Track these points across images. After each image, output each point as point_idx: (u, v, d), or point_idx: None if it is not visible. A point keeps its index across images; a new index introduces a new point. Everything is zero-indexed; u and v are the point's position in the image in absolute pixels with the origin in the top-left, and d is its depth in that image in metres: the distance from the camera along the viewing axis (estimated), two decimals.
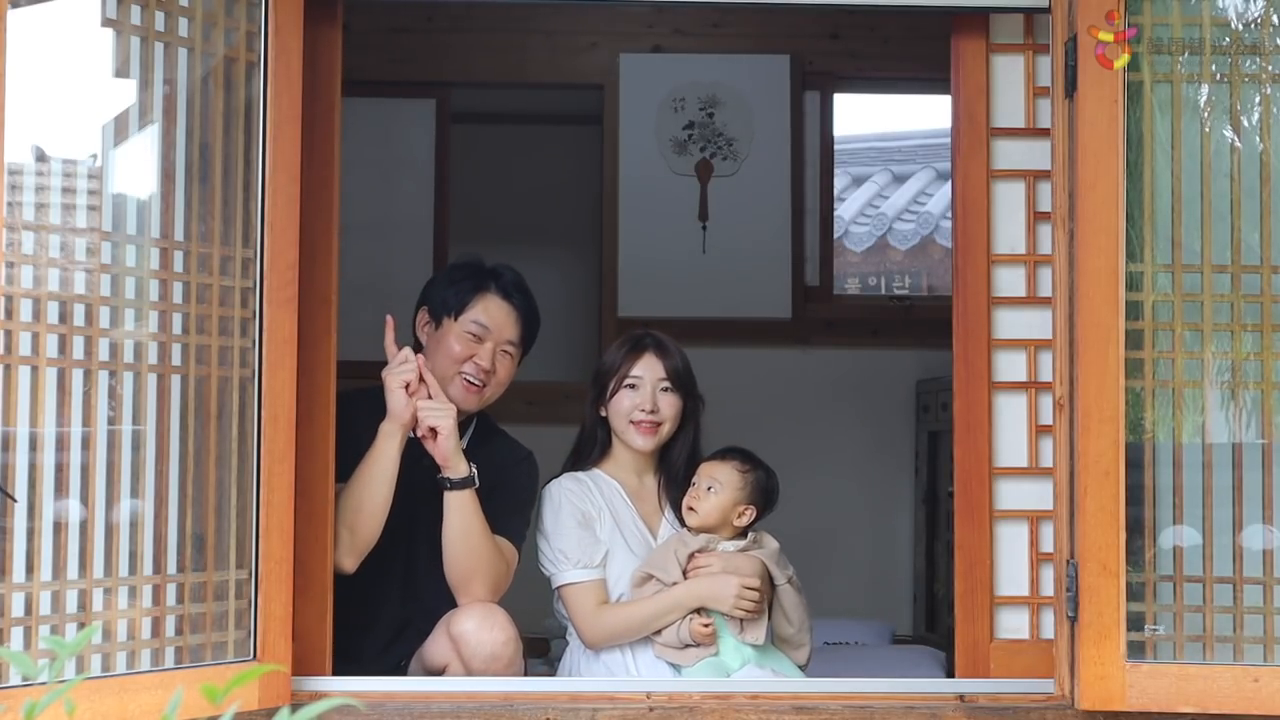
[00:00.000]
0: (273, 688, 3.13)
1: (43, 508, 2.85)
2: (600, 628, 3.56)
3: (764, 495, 3.63)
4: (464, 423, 3.71)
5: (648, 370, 3.69)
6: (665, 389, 3.69)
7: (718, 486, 3.59)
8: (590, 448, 3.75)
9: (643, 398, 3.67)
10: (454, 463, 3.51)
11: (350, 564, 3.51)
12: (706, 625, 3.48)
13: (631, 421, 3.67)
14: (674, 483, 3.72)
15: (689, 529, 3.62)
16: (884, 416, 6.29)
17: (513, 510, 3.70)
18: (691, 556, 3.55)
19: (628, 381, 3.68)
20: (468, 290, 3.72)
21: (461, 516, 3.52)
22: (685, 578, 3.53)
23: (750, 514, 3.62)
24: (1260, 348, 3.26)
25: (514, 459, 3.79)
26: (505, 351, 3.73)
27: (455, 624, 3.47)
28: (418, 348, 3.71)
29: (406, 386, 3.49)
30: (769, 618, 3.57)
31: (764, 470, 3.64)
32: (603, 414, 3.72)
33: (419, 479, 3.58)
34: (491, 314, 3.71)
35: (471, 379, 3.68)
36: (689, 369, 3.74)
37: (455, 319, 3.69)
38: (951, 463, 3.55)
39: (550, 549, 3.62)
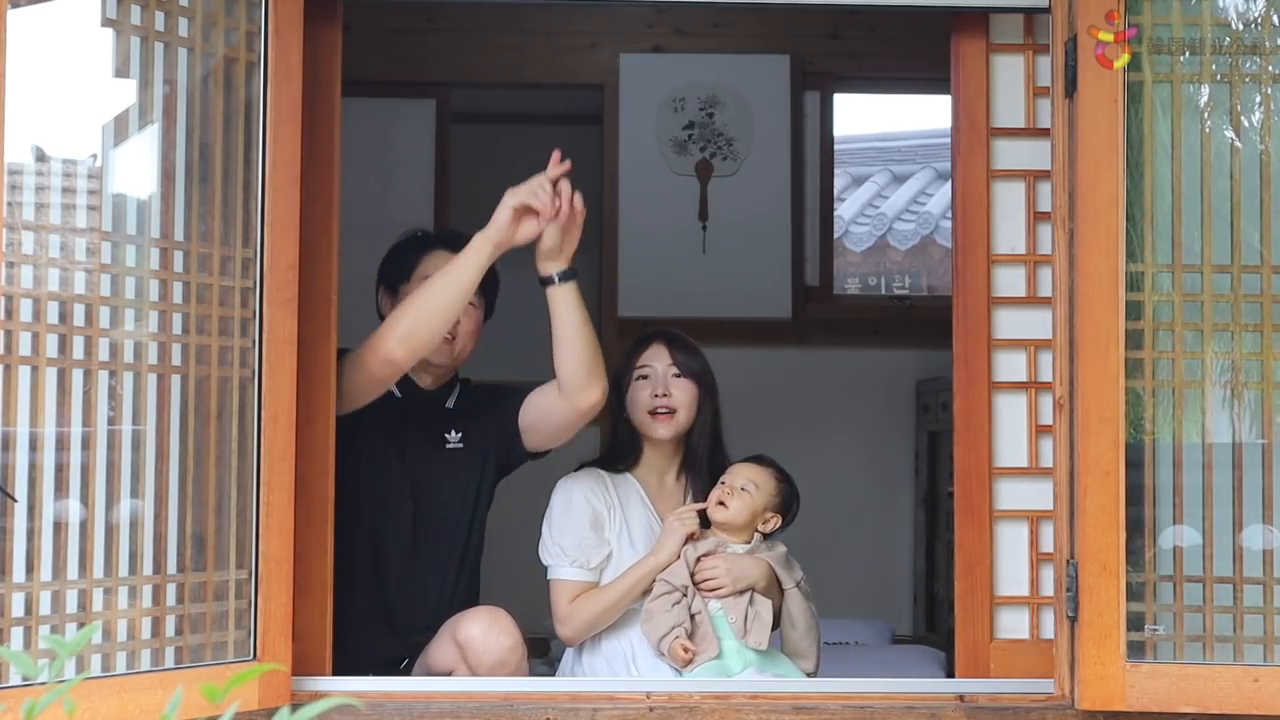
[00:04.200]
0: (273, 688, 3.13)
1: (43, 508, 2.85)
2: (574, 621, 3.59)
3: (789, 509, 3.65)
4: (447, 385, 3.81)
5: (656, 359, 3.73)
6: (676, 375, 3.71)
7: (753, 489, 3.59)
8: (622, 453, 3.77)
9: (655, 384, 3.70)
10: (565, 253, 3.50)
11: (402, 353, 3.48)
12: (686, 650, 3.46)
13: (649, 412, 3.69)
14: (697, 474, 3.74)
15: (713, 523, 3.62)
16: (884, 416, 6.29)
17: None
18: (699, 560, 3.56)
19: (639, 373, 3.73)
20: (413, 253, 3.80)
21: (578, 307, 3.51)
22: (693, 580, 3.54)
23: (776, 522, 3.63)
24: (1260, 348, 3.26)
25: (504, 392, 3.84)
26: (468, 303, 3.75)
27: (461, 629, 3.48)
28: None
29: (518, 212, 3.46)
30: (775, 623, 3.57)
31: (792, 484, 3.67)
32: (626, 416, 3.75)
33: (415, 447, 3.68)
34: (440, 266, 3.73)
35: None
36: (701, 358, 3.77)
37: (409, 281, 3.75)
38: (951, 463, 3.55)
39: (551, 542, 3.64)
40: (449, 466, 3.76)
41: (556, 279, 3.50)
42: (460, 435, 3.77)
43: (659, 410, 3.69)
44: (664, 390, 3.70)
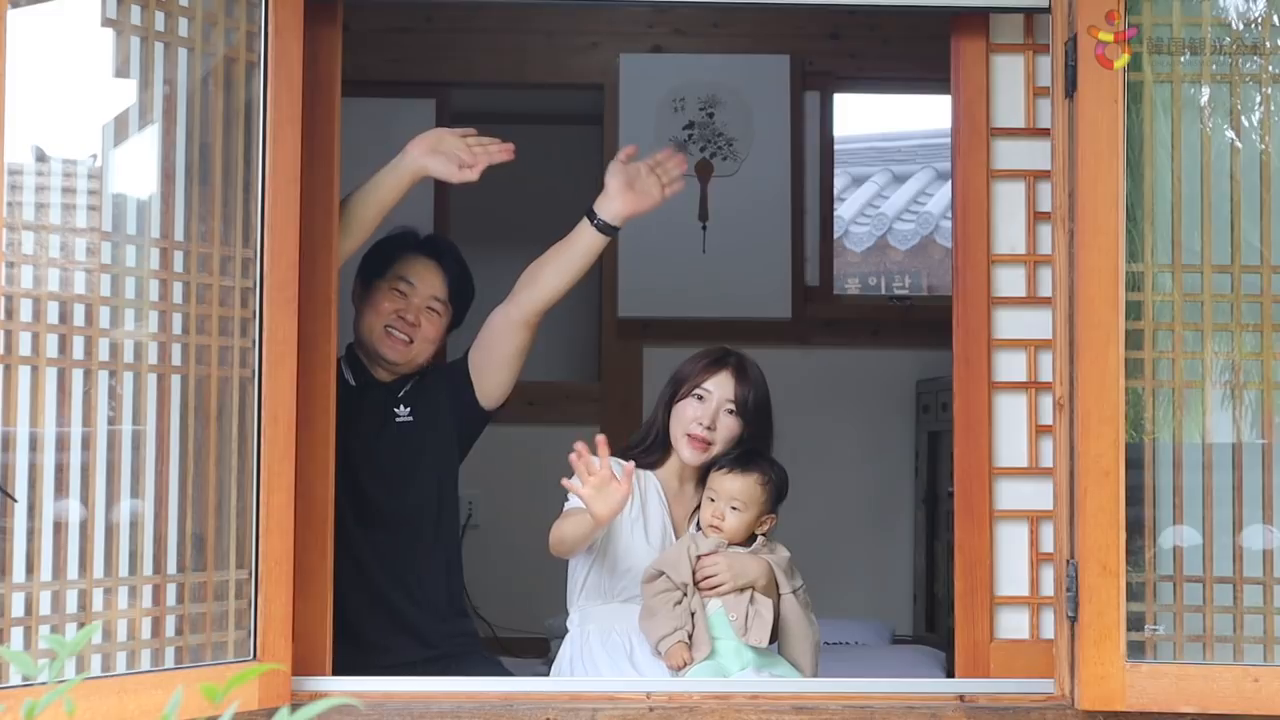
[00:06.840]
0: (273, 687, 3.13)
1: (43, 508, 2.85)
2: (551, 536, 3.57)
3: (779, 496, 3.63)
4: (404, 379, 3.86)
5: (719, 387, 3.67)
6: (730, 411, 3.67)
7: (742, 506, 3.57)
8: (654, 449, 3.73)
9: (705, 411, 3.65)
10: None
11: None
12: (684, 658, 3.45)
13: (687, 433, 3.65)
14: None
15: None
16: (884, 416, 6.28)
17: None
18: (700, 559, 3.55)
19: (697, 392, 3.67)
20: (395, 251, 3.87)
21: (591, 256, 3.84)
22: (694, 579, 3.53)
23: (772, 521, 3.61)
24: (1260, 348, 3.26)
25: (451, 363, 3.96)
26: (431, 309, 3.83)
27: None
28: (357, 319, 3.88)
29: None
30: (775, 624, 3.57)
31: (776, 469, 3.63)
32: (665, 420, 3.71)
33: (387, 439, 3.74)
34: (417, 271, 3.83)
35: (396, 330, 3.80)
36: (763, 403, 3.70)
37: (382, 277, 3.83)
38: (951, 463, 3.55)
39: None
40: (400, 440, 3.82)
41: (595, 223, 3.73)
42: (409, 410, 3.83)
43: (697, 436, 3.65)
44: (711, 422, 3.65)
